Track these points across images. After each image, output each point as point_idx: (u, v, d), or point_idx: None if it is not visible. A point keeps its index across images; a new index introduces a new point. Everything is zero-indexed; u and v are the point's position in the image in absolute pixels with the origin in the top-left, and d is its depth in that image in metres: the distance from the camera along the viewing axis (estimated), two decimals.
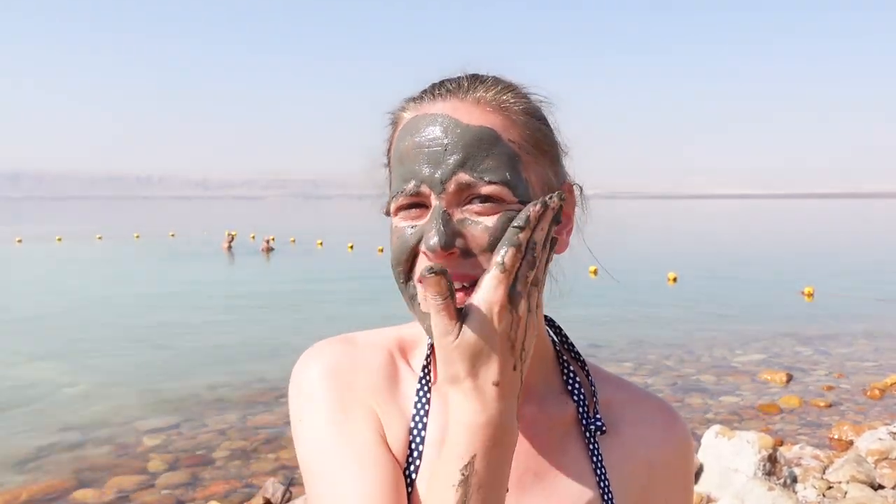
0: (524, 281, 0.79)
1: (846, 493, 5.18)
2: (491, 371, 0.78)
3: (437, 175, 0.83)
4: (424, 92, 0.93)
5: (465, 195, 0.84)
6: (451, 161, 0.84)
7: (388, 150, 0.95)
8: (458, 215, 0.84)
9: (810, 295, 15.85)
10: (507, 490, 0.81)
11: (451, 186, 0.83)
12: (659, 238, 41.08)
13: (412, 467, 0.91)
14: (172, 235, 40.17)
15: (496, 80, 0.92)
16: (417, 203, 0.85)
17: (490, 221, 0.83)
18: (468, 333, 0.77)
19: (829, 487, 5.27)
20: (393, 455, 0.90)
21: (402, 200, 0.86)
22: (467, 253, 0.83)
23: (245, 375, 9.12)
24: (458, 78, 0.92)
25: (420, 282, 0.84)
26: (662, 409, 1.02)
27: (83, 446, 6.77)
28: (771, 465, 5.07)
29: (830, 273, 20.54)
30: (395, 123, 0.94)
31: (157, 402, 8.08)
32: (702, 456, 5.37)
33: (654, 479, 0.97)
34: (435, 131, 0.86)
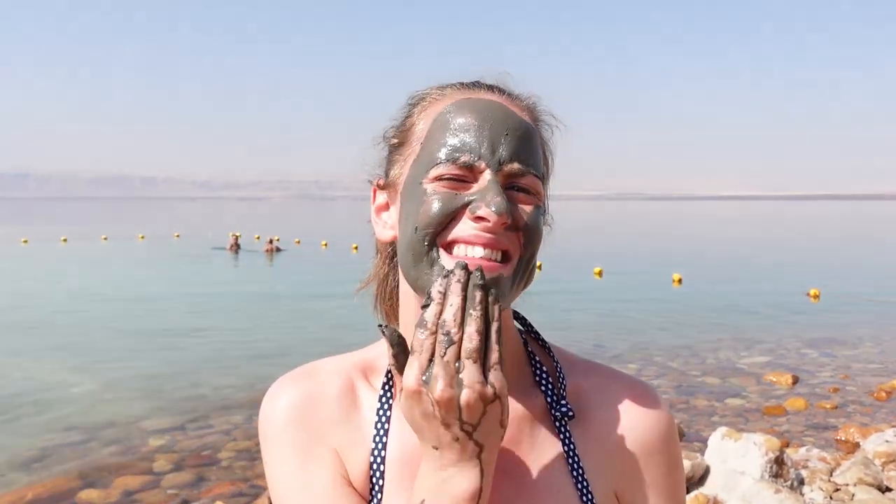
0: (441, 363, 0.77)
1: (853, 495, 5.15)
2: (426, 440, 0.80)
3: (496, 154, 0.87)
4: (470, 83, 0.97)
5: (510, 181, 0.88)
6: (510, 147, 0.88)
7: (403, 129, 0.97)
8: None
9: (816, 296, 15.81)
10: None
11: (506, 168, 0.87)
12: (664, 239, 41.02)
13: (376, 488, 0.93)
14: (177, 236, 40.26)
15: (529, 94, 0.98)
16: (462, 176, 0.87)
17: (528, 209, 0.88)
18: (402, 409, 0.81)
19: (837, 490, 5.25)
20: (355, 491, 0.92)
21: (450, 169, 0.87)
22: (513, 227, 0.86)
23: (250, 376, 9.13)
24: (500, 83, 0.98)
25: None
26: (634, 388, 0.99)
27: (89, 446, 6.78)
28: (778, 467, 5.05)
29: (836, 275, 20.48)
30: (425, 100, 0.97)
31: (163, 403, 8.09)
32: (708, 458, 5.35)
33: (629, 462, 0.95)
34: (497, 116, 0.89)
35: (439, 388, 0.76)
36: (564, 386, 0.97)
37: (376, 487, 0.92)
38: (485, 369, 0.77)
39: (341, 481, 0.92)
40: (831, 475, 5.51)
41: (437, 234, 0.86)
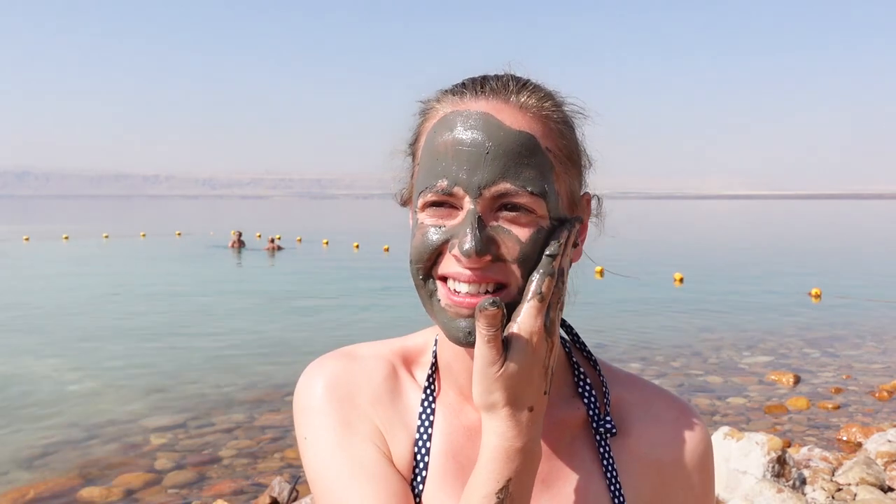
0: (556, 307, 0.82)
1: (856, 495, 5.15)
2: (528, 398, 0.81)
3: (475, 179, 0.81)
4: (465, 86, 0.89)
5: (500, 202, 0.82)
6: (492, 167, 0.82)
7: (416, 141, 0.93)
8: (491, 221, 0.82)
9: (818, 296, 15.79)
10: None
11: (489, 193, 0.82)
12: (665, 238, 41.00)
13: (418, 478, 0.92)
14: (179, 234, 40.28)
15: (537, 87, 0.89)
16: (447, 202, 0.84)
17: (523, 234, 0.82)
18: (512, 364, 0.79)
19: (839, 489, 5.24)
20: (397, 470, 0.91)
21: (431, 197, 0.84)
22: (498, 259, 0.82)
23: (252, 375, 9.13)
24: (503, 77, 0.89)
25: (477, 312, 0.81)
26: (675, 406, 0.99)
27: (90, 444, 6.78)
28: (780, 466, 5.04)
29: (838, 274, 20.46)
30: (426, 113, 0.92)
31: (164, 401, 8.09)
32: None
33: (666, 480, 0.94)
34: (477, 132, 0.83)
35: (557, 331, 0.84)
36: (608, 400, 0.97)
37: (418, 478, 0.92)
38: None
39: (386, 458, 0.92)
40: (833, 475, 5.51)
41: (430, 268, 0.86)
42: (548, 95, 0.89)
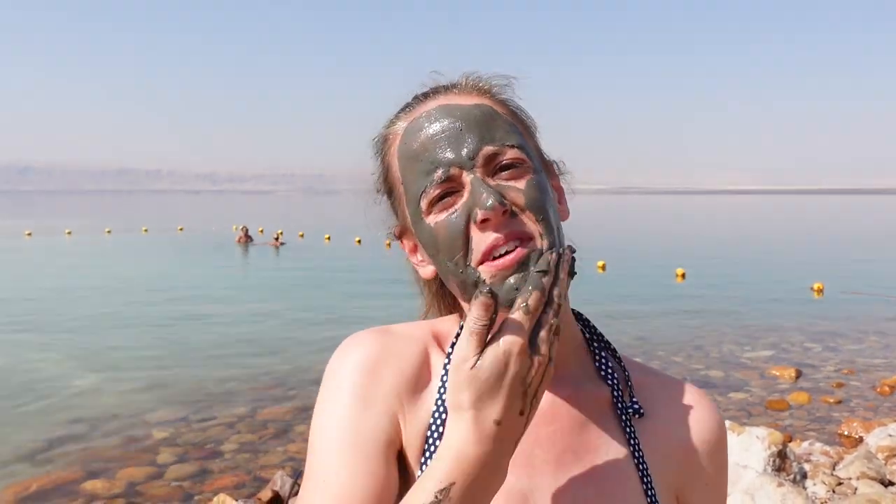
0: (548, 327, 0.79)
1: (856, 489, 5.15)
2: (494, 410, 0.77)
3: (463, 153, 0.87)
4: (411, 101, 0.97)
5: (492, 166, 0.87)
6: (471, 138, 0.88)
7: (387, 173, 0.98)
8: (491, 184, 0.87)
9: (820, 291, 15.78)
10: None
11: (480, 160, 0.87)
12: (667, 234, 40.97)
13: (427, 454, 0.91)
14: (181, 229, 40.31)
15: (468, 74, 0.98)
16: (449, 190, 0.88)
17: (521, 185, 0.87)
18: (483, 367, 0.77)
19: (839, 484, 5.25)
20: (396, 462, 0.90)
21: (434, 191, 0.88)
22: (513, 213, 0.86)
23: (254, 369, 9.15)
24: (435, 88, 0.97)
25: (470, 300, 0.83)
26: (693, 391, 1.02)
27: (93, 438, 6.80)
28: (780, 461, 5.05)
29: (840, 269, 20.44)
30: (386, 141, 0.98)
31: (167, 395, 8.11)
32: None
33: (690, 461, 0.97)
34: (443, 119, 0.90)
35: (543, 350, 0.78)
36: (631, 383, 1.00)
37: (427, 454, 0.91)
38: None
39: (389, 448, 0.90)
40: (834, 469, 5.51)
41: (465, 255, 0.87)
42: (477, 77, 0.98)
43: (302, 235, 33.95)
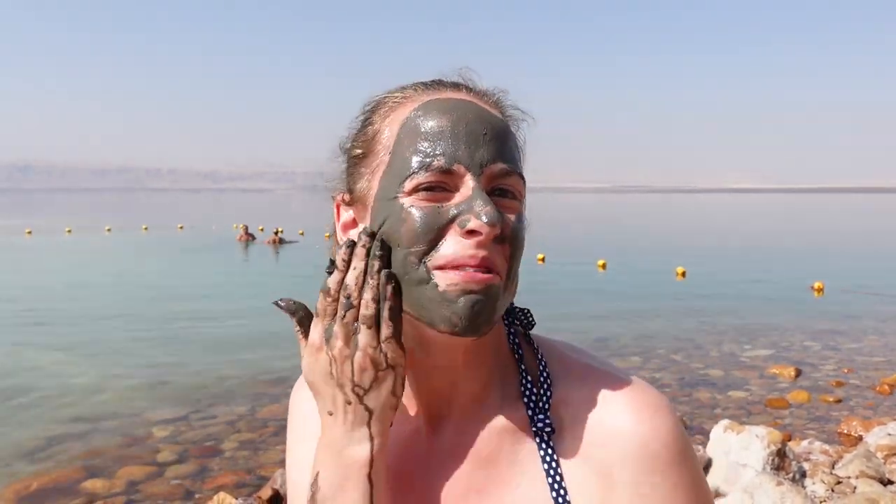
0: (341, 323, 0.82)
1: (855, 488, 5.16)
2: (322, 402, 0.85)
3: (476, 157, 0.82)
4: (439, 83, 0.91)
5: (493, 185, 0.83)
6: (490, 147, 0.83)
7: (370, 137, 0.90)
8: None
9: (819, 290, 15.77)
10: None
11: (489, 170, 0.82)
12: (667, 232, 40.97)
13: None
14: (181, 228, 40.31)
15: (496, 89, 0.94)
16: (441, 183, 0.82)
17: (511, 217, 0.84)
18: (303, 368, 0.86)
19: (838, 483, 5.25)
20: None
21: (427, 177, 0.81)
22: (501, 238, 0.82)
23: (254, 367, 9.15)
24: (463, 80, 0.94)
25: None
26: (634, 400, 0.86)
27: (92, 437, 6.81)
28: (779, 459, 5.06)
29: (840, 268, 20.42)
30: (386, 104, 0.91)
31: (167, 394, 8.11)
32: (710, 450, 5.36)
33: (620, 482, 0.83)
34: (470, 114, 0.84)
35: (337, 344, 0.81)
36: (549, 397, 0.89)
37: None
38: (379, 339, 0.81)
39: None
40: (833, 468, 5.52)
41: (426, 253, 0.80)
42: (502, 94, 0.94)
43: (302, 233, 33.96)
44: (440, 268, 0.80)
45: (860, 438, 6.52)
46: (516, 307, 0.98)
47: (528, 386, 0.90)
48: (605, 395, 0.87)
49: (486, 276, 0.79)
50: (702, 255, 24.25)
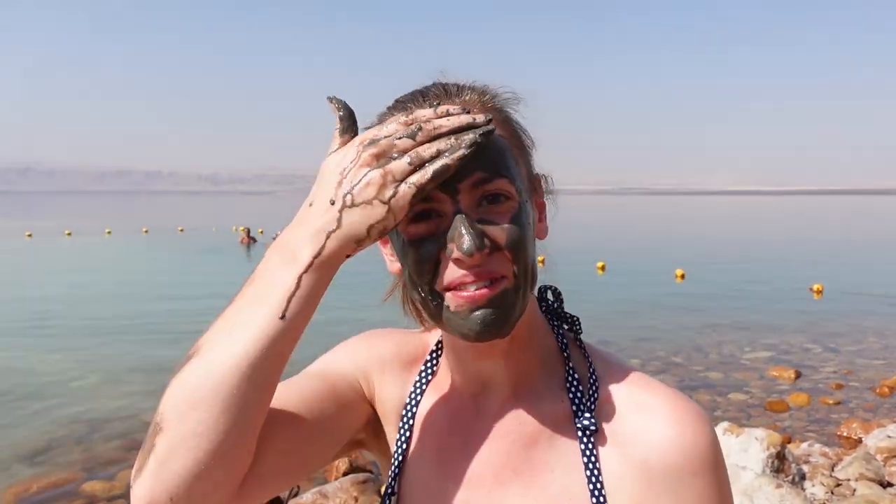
0: (395, 139, 0.81)
1: (855, 490, 5.16)
2: (315, 191, 0.85)
3: (452, 176, 0.81)
4: (408, 101, 0.90)
5: (478, 193, 0.83)
6: (466, 159, 0.81)
7: None
8: (475, 216, 0.82)
9: (819, 292, 15.78)
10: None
11: (467, 185, 0.82)
12: (667, 234, 40.98)
13: (398, 452, 1.00)
14: (181, 230, 40.30)
15: (473, 86, 0.92)
16: (429, 210, 0.83)
17: (504, 220, 0.83)
18: (327, 153, 0.86)
19: (838, 485, 5.26)
20: (337, 404, 0.99)
21: (412, 210, 0.82)
22: (494, 248, 0.82)
23: None
24: (441, 85, 0.91)
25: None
26: (674, 406, 0.88)
27: (93, 439, 6.81)
28: (779, 462, 5.06)
29: (839, 270, 20.43)
30: None
31: None
32: None
33: (657, 485, 0.85)
34: None
35: (372, 150, 0.81)
36: (596, 396, 0.92)
37: (398, 451, 1.00)
38: (405, 176, 0.79)
39: (335, 389, 1.00)
40: (832, 470, 5.52)
41: (433, 279, 0.84)
42: (484, 90, 0.92)
43: None
44: (446, 289, 0.84)
45: (860, 441, 6.53)
46: (567, 313, 1.00)
47: (575, 383, 0.93)
48: (648, 401, 0.90)
49: (486, 290, 0.82)
50: (701, 256, 24.26)
